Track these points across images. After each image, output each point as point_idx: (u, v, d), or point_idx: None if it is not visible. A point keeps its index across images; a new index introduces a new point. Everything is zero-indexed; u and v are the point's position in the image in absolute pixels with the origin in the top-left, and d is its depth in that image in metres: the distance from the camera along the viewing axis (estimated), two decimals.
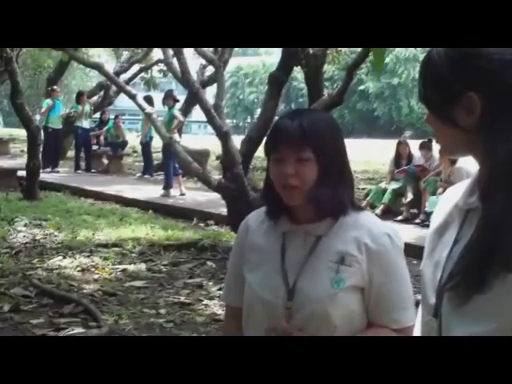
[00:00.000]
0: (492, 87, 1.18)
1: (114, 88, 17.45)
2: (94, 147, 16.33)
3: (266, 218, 1.86)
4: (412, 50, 46.56)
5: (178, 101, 12.84)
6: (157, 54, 17.46)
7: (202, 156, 14.25)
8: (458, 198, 1.31)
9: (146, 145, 14.95)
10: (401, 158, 10.81)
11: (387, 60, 47.65)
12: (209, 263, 7.06)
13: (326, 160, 1.71)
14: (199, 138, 30.64)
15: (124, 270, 6.63)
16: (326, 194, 1.71)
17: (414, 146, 11.12)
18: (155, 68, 18.86)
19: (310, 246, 1.76)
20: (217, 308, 5.49)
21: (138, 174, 15.44)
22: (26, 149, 12.30)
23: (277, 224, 1.82)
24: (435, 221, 1.39)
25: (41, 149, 11.52)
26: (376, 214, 10.03)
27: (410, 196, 9.99)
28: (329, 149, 1.73)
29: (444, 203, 1.39)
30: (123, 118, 19.77)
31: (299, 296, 1.73)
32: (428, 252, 1.36)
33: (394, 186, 10.41)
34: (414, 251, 7.53)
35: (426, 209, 9.53)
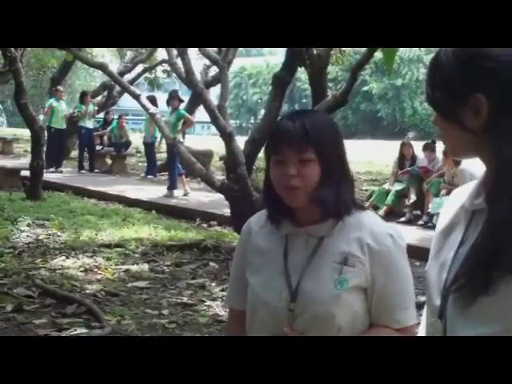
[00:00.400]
0: (499, 89, 1.18)
1: (117, 88, 17.46)
2: (98, 147, 16.36)
3: (267, 221, 1.85)
4: (416, 50, 46.58)
5: (182, 101, 12.84)
6: (161, 54, 17.46)
7: (205, 157, 14.27)
8: (464, 199, 1.31)
9: (150, 145, 14.95)
10: (404, 159, 10.80)
11: None
12: (212, 264, 7.06)
13: (328, 160, 1.71)
14: (202, 138, 30.66)
15: (127, 271, 6.64)
16: (330, 195, 1.71)
17: (418, 147, 11.11)
18: (159, 68, 18.87)
19: (313, 247, 1.76)
20: (219, 309, 5.48)
21: (141, 175, 15.45)
22: (29, 149, 12.32)
23: (279, 226, 1.82)
24: (441, 222, 1.39)
25: (44, 149, 11.53)
26: (379, 216, 10.00)
27: (413, 197, 9.99)
28: (330, 149, 1.73)
29: (450, 204, 1.39)
30: (127, 118, 19.76)
31: (302, 298, 1.72)
32: (434, 253, 1.36)
33: (398, 187, 10.40)
34: (416, 253, 7.53)
35: (429, 210, 9.53)
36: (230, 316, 2.08)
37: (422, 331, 1.42)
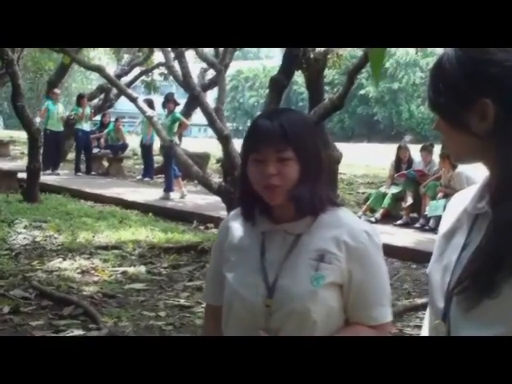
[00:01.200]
0: (504, 94, 1.19)
1: (114, 91, 17.47)
2: (95, 150, 16.35)
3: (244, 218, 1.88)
4: (412, 54, 46.62)
5: (178, 104, 12.86)
6: (158, 57, 17.48)
7: (202, 159, 14.27)
8: (466, 203, 1.32)
9: (147, 147, 14.96)
10: (401, 162, 10.82)
11: (387, 65, 47.61)
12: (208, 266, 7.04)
13: (306, 159, 1.74)
14: (199, 141, 30.65)
15: (124, 273, 6.64)
16: (307, 193, 1.73)
17: (414, 150, 11.13)
18: (156, 71, 18.88)
19: (290, 244, 1.78)
20: None
21: (138, 177, 15.45)
22: (26, 151, 12.32)
23: (256, 224, 1.84)
24: (444, 225, 1.40)
25: (41, 151, 11.53)
26: (376, 218, 10.05)
27: (409, 200, 10.00)
28: (308, 148, 1.76)
29: (452, 208, 1.40)
30: (123, 121, 19.77)
31: (279, 294, 1.74)
32: (436, 256, 1.37)
33: (394, 190, 10.42)
34: (413, 255, 7.55)
35: (426, 213, 9.54)
36: (206, 312, 2.09)
37: (424, 333, 1.43)
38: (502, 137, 1.19)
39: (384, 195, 10.45)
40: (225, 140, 6.94)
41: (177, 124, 12.20)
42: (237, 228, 1.89)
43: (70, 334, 4.79)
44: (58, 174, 14.74)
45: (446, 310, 1.27)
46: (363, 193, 13.28)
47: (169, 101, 12.24)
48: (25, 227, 8.51)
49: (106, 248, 7.54)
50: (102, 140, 16.72)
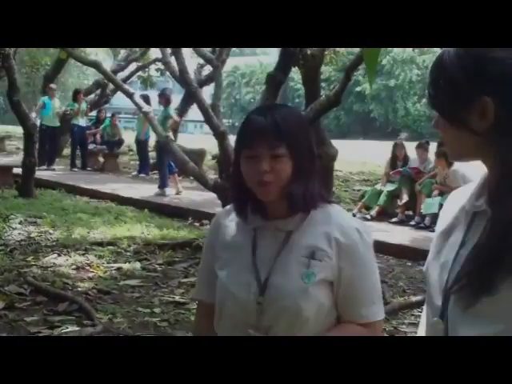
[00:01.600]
0: (505, 91, 1.19)
1: (110, 86, 17.44)
2: (90, 145, 16.33)
3: (236, 215, 1.87)
4: (409, 51, 46.68)
5: (170, 101, 12.84)
6: (154, 52, 17.46)
7: (197, 155, 14.25)
8: (464, 200, 1.32)
9: (143, 143, 14.95)
10: (397, 159, 10.84)
11: (384, 62, 47.68)
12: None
13: (300, 155, 1.73)
14: (195, 137, 30.63)
15: (119, 269, 6.63)
16: (299, 189, 1.73)
17: (410, 148, 11.14)
18: (153, 67, 18.86)
19: (281, 241, 1.78)
20: None
21: (133, 173, 15.43)
22: (21, 146, 12.29)
23: (247, 220, 1.84)
24: (441, 223, 1.40)
25: (37, 146, 11.50)
26: (371, 216, 10.06)
27: (405, 198, 10.01)
28: (302, 144, 1.75)
29: (450, 206, 1.40)
30: (119, 116, 19.74)
31: (271, 291, 1.74)
32: (434, 254, 1.37)
33: (390, 187, 10.43)
34: (409, 253, 7.56)
35: (421, 211, 9.55)
36: (198, 310, 2.08)
37: (421, 331, 1.43)
38: (501, 135, 1.19)
39: (379, 192, 10.46)
40: (221, 136, 6.93)
41: (170, 120, 12.19)
42: (228, 225, 1.89)
43: (65, 330, 4.79)
44: (54, 170, 14.73)
45: (443, 307, 1.27)
46: (359, 190, 13.29)
47: (161, 96, 12.25)
48: (20, 223, 8.50)
49: (101, 244, 7.52)
50: (98, 136, 16.70)
